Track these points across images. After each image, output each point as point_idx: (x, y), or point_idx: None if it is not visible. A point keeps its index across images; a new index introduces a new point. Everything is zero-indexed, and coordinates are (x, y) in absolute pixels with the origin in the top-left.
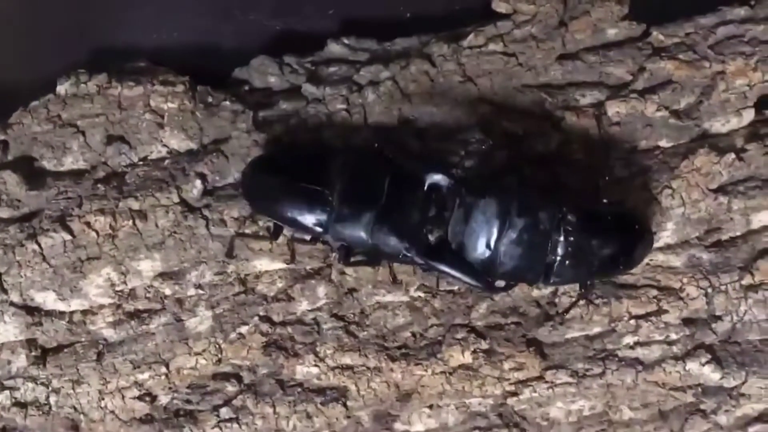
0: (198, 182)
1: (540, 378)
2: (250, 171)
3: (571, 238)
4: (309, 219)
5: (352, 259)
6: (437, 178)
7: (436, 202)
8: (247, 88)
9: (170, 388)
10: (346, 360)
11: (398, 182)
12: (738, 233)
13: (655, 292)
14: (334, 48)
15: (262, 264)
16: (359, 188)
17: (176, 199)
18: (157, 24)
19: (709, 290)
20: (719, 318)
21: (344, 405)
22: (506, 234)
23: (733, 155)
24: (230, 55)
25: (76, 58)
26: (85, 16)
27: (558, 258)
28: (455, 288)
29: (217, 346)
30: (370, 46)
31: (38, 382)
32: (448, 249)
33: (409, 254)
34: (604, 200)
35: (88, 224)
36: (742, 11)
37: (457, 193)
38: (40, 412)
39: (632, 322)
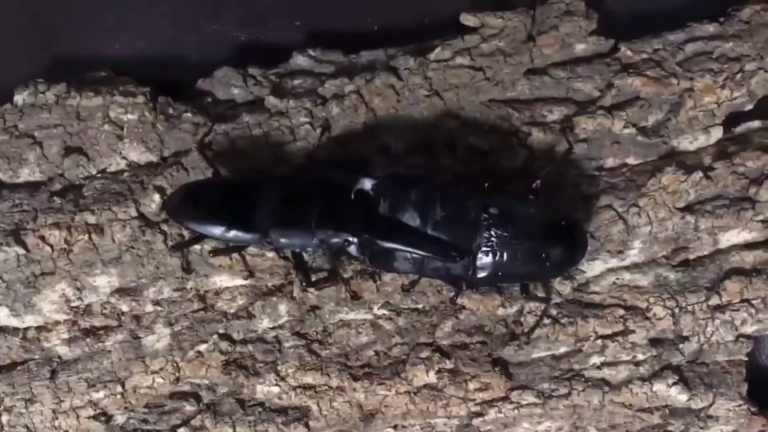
0: (156, 196)
1: (505, 398)
2: (180, 191)
3: (493, 230)
4: (245, 228)
5: (314, 279)
6: (362, 182)
7: (365, 204)
8: (209, 99)
9: (126, 407)
10: (308, 379)
11: (327, 191)
12: (705, 252)
13: (621, 312)
14: (299, 60)
15: (222, 280)
16: (294, 194)
17: (134, 213)
18: (120, 33)
19: (676, 310)
20: (686, 339)
21: (306, 425)
22: (429, 226)
23: (700, 173)
24: (194, 65)
25: (35, 67)
26: (45, 25)
27: (480, 250)
28: (419, 306)
29: (174, 364)
30: (336, 58)
31: None
32: (398, 226)
33: (354, 243)
34: (531, 196)
35: (42, 238)
36: (710, 28)
37: (383, 190)
38: None
39: (599, 342)
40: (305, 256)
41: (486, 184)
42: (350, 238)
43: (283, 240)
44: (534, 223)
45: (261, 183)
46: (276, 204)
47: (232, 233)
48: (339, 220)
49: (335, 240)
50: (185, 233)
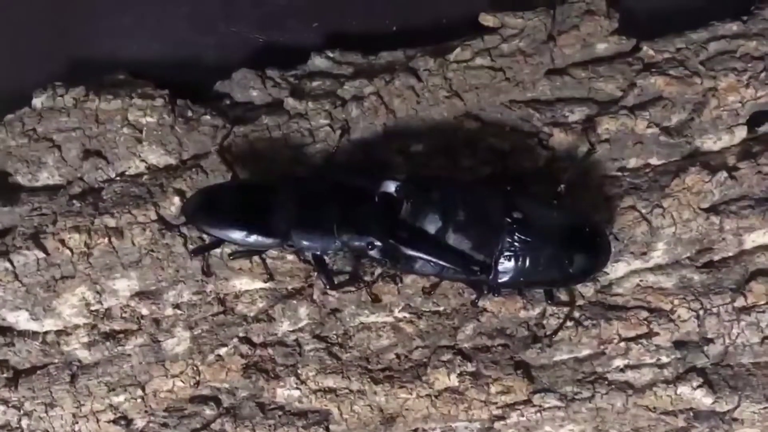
0: (176, 199)
1: (528, 402)
2: (198, 195)
3: (516, 235)
4: (266, 232)
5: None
6: (385, 185)
7: (388, 207)
8: (228, 102)
9: (146, 411)
10: (329, 382)
11: (349, 196)
12: (730, 254)
13: (645, 314)
14: (317, 61)
15: (242, 283)
16: (315, 196)
17: (154, 216)
18: (137, 35)
19: (701, 312)
20: (711, 341)
21: (326, 429)
22: (452, 230)
23: (725, 174)
24: (212, 68)
25: (53, 70)
26: (63, 28)
27: (502, 253)
28: (441, 308)
29: (195, 368)
30: (354, 59)
31: (10, 405)
32: (421, 233)
33: (375, 248)
34: (554, 201)
35: (62, 242)
36: (734, 26)
37: (406, 192)
38: None
39: (622, 344)
40: (326, 258)
41: (509, 188)
42: (374, 242)
43: (305, 242)
44: (557, 228)
45: (281, 185)
46: (297, 206)
47: (253, 238)
48: (362, 223)
49: (358, 243)
50: (205, 237)
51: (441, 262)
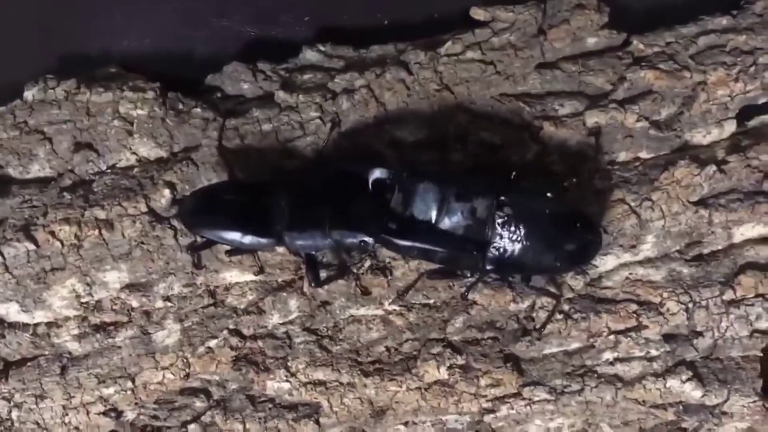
0: (167, 191)
1: (517, 395)
2: (193, 199)
3: (506, 223)
4: (260, 233)
5: (323, 276)
6: (378, 172)
7: (381, 194)
8: (219, 95)
9: (136, 403)
10: (319, 375)
11: (343, 184)
12: (719, 247)
13: (634, 307)
14: (309, 54)
15: (232, 276)
16: (307, 195)
17: (144, 209)
18: (128, 30)
19: (690, 305)
20: (700, 334)
21: (317, 422)
22: (443, 218)
23: (714, 167)
24: (203, 61)
25: (45, 63)
26: (55, 21)
27: (491, 245)
28: (430, 301)
29: (185, 360)
30: (345, 53)
31: (0, 397)
32: (413, 223)
33: (370, 243)
34: (548, 194)
35: (52, 234)
36: (723, 21)
37: (398, 179)
38: (2, 428)
39: (611, 337)
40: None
41: (509, 175)
42: (366, 239)
43: (298, 242)
44: (548, 218)
45: (273, 184)
46: (289, 206)
47: (248, 239)
48: (354, 220)
49: (350, 240)
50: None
51: (433, 248)
